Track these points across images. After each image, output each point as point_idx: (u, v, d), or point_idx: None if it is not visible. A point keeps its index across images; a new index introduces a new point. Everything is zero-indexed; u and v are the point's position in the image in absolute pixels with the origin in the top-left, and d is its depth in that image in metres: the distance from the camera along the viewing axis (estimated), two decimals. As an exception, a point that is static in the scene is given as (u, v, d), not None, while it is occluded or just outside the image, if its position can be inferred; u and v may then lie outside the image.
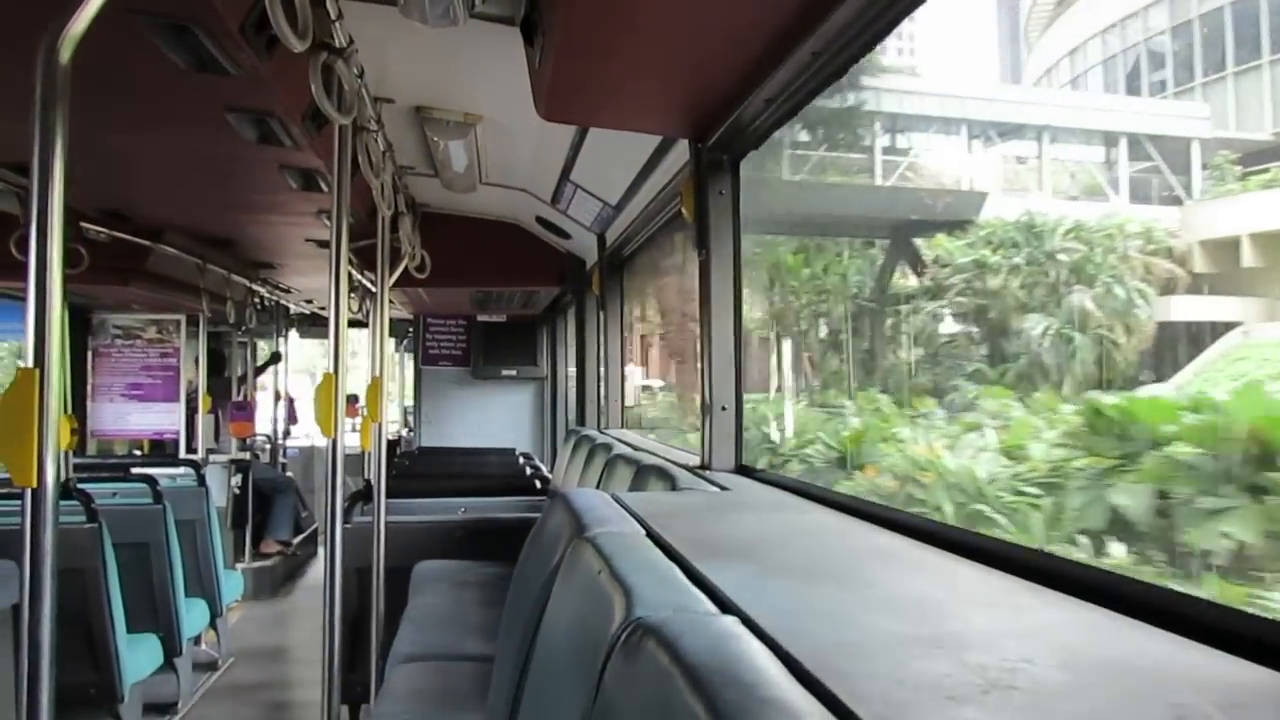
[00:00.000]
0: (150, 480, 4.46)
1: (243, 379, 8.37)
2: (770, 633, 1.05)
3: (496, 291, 6.70)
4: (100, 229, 4.61)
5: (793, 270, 20.17)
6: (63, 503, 3.47)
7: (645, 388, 15.75)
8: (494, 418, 8.03)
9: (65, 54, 1.48)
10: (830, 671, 0.91)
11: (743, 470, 2.92)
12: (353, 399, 5.76)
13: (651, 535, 1.70)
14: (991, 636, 1.08)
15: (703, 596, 1.25)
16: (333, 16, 2.30)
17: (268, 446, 8.66)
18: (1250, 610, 1.05)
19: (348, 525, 3.59)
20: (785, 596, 1.27)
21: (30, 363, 1.47)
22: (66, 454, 5.05)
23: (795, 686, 0.87)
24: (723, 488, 2.59)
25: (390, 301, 6.36)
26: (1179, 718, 0.82)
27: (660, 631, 1.03)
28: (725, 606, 1.20)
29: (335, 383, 2.45)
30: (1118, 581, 1.25)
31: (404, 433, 10.18)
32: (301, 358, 13.49)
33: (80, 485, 3.86)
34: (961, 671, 0.92)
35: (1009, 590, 1.33)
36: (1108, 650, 1.03)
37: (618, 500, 2.11)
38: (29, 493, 1.48)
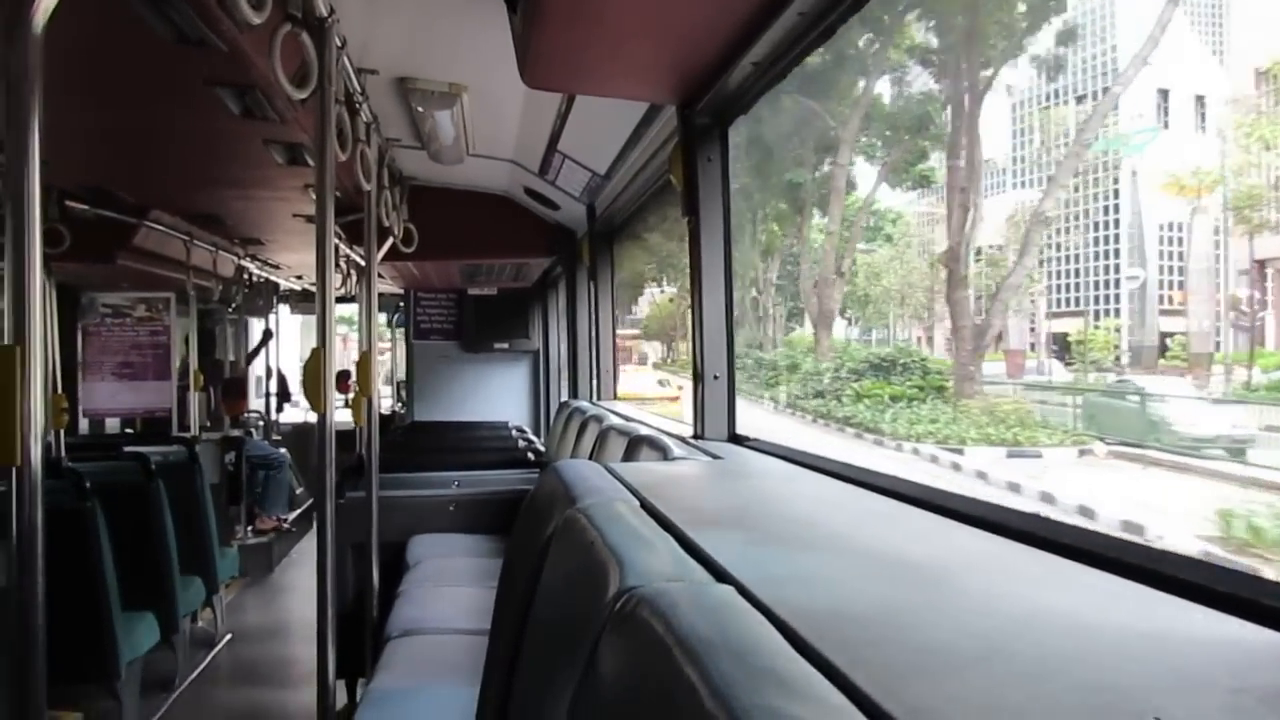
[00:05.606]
0: (143, 458, 4.43)
1: (234, 361, 8.32)
2: (766, 602, 1.03)
3: (486, 264, 6.65)
4: (85, 206, 4.56)
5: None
6: (54, 482, 3.47)
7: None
8: (487, 391, 7.98)
9: (38, 27, 1.44)
10: (828, 640, 0.90)
11: (736, 439, 2.91)
12: (344, 374, 5.73)
13: (645, 505, 1.69)
14: (992, 601, 1.07)
15: (697, 566, 1.23)
16: None
17: (261, 423, 8.63)
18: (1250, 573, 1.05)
19: (341, 501, 3.58)
20: (781, 564, 1.26)
21: (10, 340, 1.45)
22: (58, 433, 5.03)
23: (793, 655, 0.86)
24: (716, 457, 2.58)
25: (380, 276, 6.31)
26: (1181, 674, 0.81)
27: (654, 602, 1.02)
28: (720, 576, 1.19)
29: (323, 358, 2.42)
30: (1115, 545, 1.24)
31: (397, 407, 10.15)
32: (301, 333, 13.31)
33: (71, 464, 3.83)
34: (961, 638, 0.91)
35: (1007, 555, 1.32)
36: (1110, 614, 1.02)
37: (610, 471, 2.10)
38: (14, 472, 1.46)
